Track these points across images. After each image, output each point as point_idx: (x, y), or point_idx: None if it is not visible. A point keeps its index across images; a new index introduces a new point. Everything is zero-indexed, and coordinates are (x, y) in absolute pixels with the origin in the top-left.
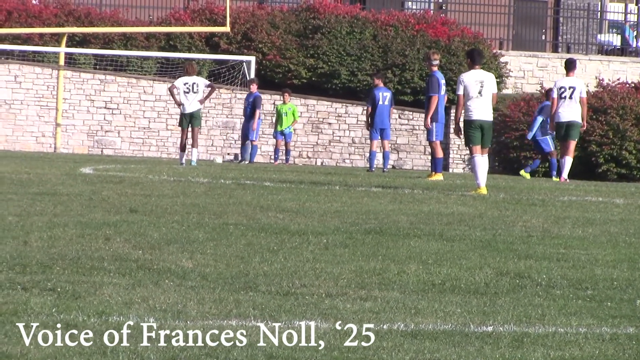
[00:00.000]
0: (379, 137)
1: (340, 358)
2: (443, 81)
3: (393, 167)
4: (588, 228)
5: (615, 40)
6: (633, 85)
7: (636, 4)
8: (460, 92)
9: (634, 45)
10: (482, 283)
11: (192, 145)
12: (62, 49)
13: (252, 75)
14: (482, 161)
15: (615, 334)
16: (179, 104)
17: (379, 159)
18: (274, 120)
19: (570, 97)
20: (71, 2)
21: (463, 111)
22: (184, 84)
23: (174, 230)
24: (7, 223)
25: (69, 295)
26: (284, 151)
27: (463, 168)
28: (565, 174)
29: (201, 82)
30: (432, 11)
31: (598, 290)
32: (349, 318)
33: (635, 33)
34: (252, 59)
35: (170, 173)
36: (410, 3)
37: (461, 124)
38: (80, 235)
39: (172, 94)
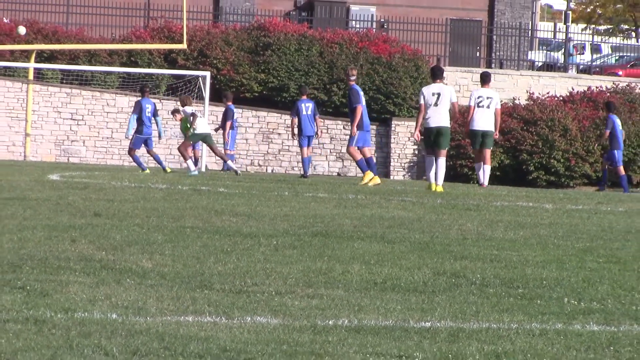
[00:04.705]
0: (307, 144)
1: (289, 352)
2: (361, 92)
3: (338, 174)
4: (519, 231)
5: (546, 57)
6: (561, 98)
7: (564, 23)
8: (422, 102)
9: (576, 62)
10: (420, 282)
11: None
12: (31, 65)
13: (207, 90)
14: (431, 162)
15: (545, 329)
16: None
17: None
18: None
19: (488, 107)
20: (39, 21)
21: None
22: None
23: (134, 233)
24: None
25: (37, 293)
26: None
27: (403, 175)
28: (485, 181)
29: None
30: (374, 30)
31: (528, 289)
32: (297, 314)
33: (575, 52)
34: (207, 74)
35: (132, 180)
36: (354, 22)
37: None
38: (48, 237)
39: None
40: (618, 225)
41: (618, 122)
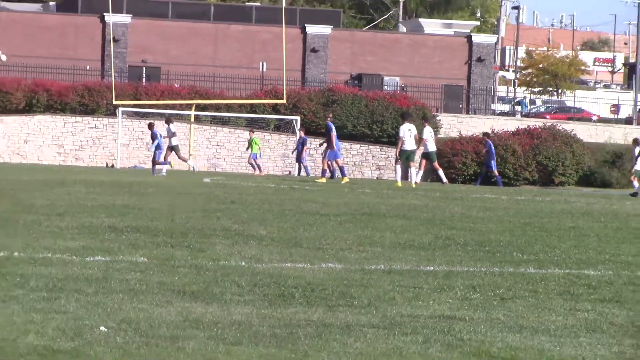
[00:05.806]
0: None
1: (347, 284)
2: (332, 126)
3: (377, 178)
4: (487, 212)
5: (504, 107)
6: (511, 132)
7: (513, 86)
8: (401, 135)
9: (527, 111)
10: (426, 243)
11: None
12: (192, 112)
13: (299, 128)
14: (400, 170)
15: (502, 271)
16: None
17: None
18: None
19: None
20: (197, 85)
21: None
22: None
23: (255, 213)
24: (162, 209)
25: (196, 250)
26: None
27: (421, 179)
28: (419, 179)
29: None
30: (398, 91)
31: (492, 247)
32: (352, 262)
33: (528, 103)
34: (298, 118)
35: (253, 181)
36: (386, 87)
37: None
38: (203, 216)
39: None
40: (546, 209)
41: (491, 143)
